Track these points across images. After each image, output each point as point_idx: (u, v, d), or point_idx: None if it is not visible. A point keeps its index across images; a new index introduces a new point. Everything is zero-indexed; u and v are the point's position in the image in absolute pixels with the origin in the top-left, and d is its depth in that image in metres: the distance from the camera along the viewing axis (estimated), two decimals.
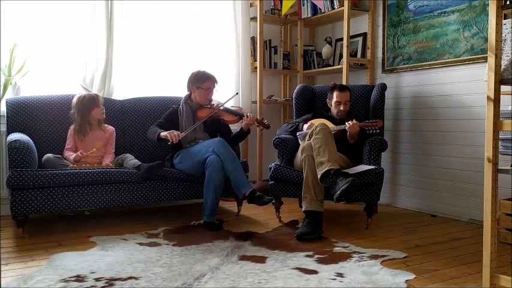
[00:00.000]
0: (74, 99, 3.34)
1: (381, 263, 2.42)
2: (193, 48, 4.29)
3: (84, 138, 3.30)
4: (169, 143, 3.21)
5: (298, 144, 3.35)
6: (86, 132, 3.30)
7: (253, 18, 4.50)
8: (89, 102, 3.30)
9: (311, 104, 3.91)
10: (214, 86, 3.46)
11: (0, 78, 3.38)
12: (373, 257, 2.52)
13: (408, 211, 3.84)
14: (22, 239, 2.88)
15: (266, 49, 4.56)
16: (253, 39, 4.54)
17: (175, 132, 3.21)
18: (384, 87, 3.71)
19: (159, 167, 3.20)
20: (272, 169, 3.30)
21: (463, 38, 3.47)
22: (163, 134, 3.23)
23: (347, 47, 4.03)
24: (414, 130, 3.88)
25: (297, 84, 4.49)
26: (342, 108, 3.42)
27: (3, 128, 3.46)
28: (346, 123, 3.23)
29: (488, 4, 3.16)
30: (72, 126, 3.34)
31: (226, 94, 4.00)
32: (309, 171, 3.00)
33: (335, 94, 3.45)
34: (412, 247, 2.75)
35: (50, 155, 3.15)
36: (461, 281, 2.21)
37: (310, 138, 3.08)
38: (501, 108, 1.92)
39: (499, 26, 1.86)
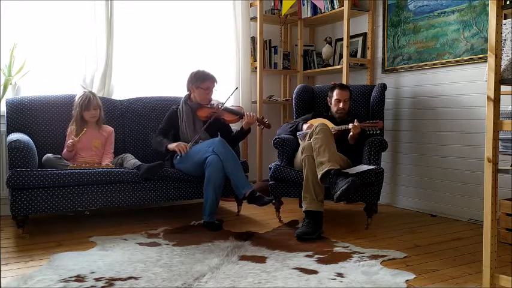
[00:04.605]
0: (76, 98, 3.36)
1: (381, 263, 2.42)
2: (193, 48, 4.28)
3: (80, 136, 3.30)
4: (178, 156, 3.25)
5: (298, 144, 3.35)
6: (80, 130, 3.31)
7: (253, 18, 4.50)
8: (83, 102, 3.31)
9: (311, 104, 3.91)
10: (213, 86, 3.46)
11: (0, 78, 3.38)
12: (373, 257, 2.52)
13: (408, 211, 3.84)
14: (22, 239, 2.88)
15: (266, 49, 4.56)
16: (253, 39, 4.54)
17: (183, 144, 3.23)
18: (383, 87, 3.71)
19: (159, 167, 3.20)
20: (272, 169, 3.30)
21: (463, 38, 3.47)
22: (171, 146, 3.25)
23: (347, 47, 4.03)
24: (414, 130, 3.88)
25: (297, 84, 4.49)
26: (341, 105, 3.43)
27: (3, 128, 3.45)
28: (350, 124, 3.23)
29: (488, 4, 3.16)
30: (70, 125, 3.35)
31: (226, 94, 3.99)
32: (309, 171, 3.00)
33: (335, 92, 3.46)
34: (412, 247, 2.75)
35: (49, 155, 3.15)
36: (461, 281, 2.21)
37: (310, 138, 3.08)
38: (501, 108, 1.92)
39: (499, 26, 1.86)
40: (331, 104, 3.52)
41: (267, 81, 4.74)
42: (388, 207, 3.97)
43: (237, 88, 3.66)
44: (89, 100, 3.31)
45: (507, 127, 1.86)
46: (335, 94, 3.47)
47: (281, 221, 3.39)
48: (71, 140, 3.20)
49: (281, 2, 4.40)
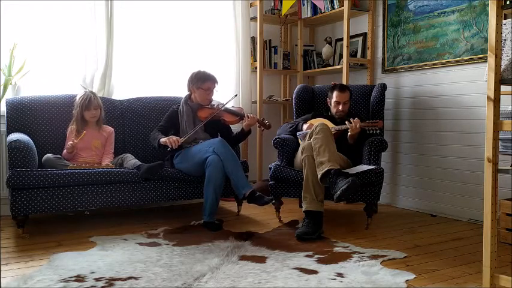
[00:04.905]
0: (77, 97, 3.36)
1: (381, 263, 2.42)
2: (193, 48, 4.28)
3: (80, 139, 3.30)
4: (168, 149, 3.22)
5: (298, 144, 3.35)
6: (81, 130, 3.30)
7: (253, 18, 4.50)
8: (83, 102, 3.31)
9: (311, 104, 3.91)
10: (214, 86, 3.46)
11: (0, 78, 3.38)
12: (373, 257, 2.52)
13: (408, 211, 3.84)
14: (22, 239, 2.88)
15: (266, 49, 4.56)
16: (253, 39, 4.54)
17: (174, 138, 3.22)
18: (383, 87, 3.71)
19: (159, 167, 3.20)
20: (272, 169, 3.30)
21: (463, 38, 3.47)
22: (162, 140, 3.24)
23: (347, 47, 4.03)
24: (414, 130, 3.88)
25: (297, 84, 4.49)
26: (340, 108, 3.42)
27: (3, 128, 3.45)
28: (347, 122, 3.22)
29: (488, 4, 3.16)
30: (70, 125, 3.35)
31: (227, 94, 4.00)
32: (309, 171, 3.00)
33: (335, 94, 3.45)
34: (412, 247, 2.75)
35: (49, 155, 3.15)
36: (461, 281, 2.21)
37: (310, 138, 3.08)
38: (501, 108, 1.92)
39: (499, 26, 1.86)
40: (330, 104, 3.52)
41: (267, 81, 4.74)
42: (388, 207, 3.97)
43: (236, 95, 3.69)
44: (89, 100, 3.31)
45: (507, 127, 1.86)
46: (334, 96, 3.45)
47: (281, 221, 3.39)
48: (70, 142, 3.20)
49: (281, 2, 4.40)
